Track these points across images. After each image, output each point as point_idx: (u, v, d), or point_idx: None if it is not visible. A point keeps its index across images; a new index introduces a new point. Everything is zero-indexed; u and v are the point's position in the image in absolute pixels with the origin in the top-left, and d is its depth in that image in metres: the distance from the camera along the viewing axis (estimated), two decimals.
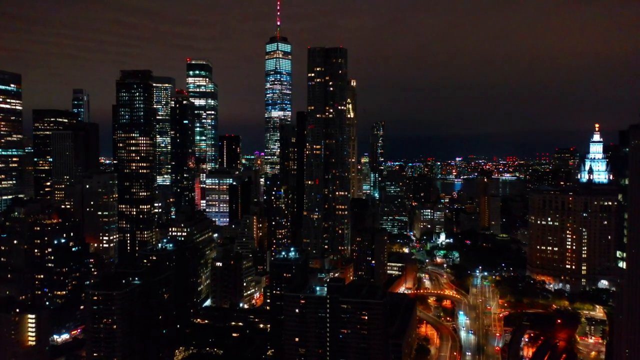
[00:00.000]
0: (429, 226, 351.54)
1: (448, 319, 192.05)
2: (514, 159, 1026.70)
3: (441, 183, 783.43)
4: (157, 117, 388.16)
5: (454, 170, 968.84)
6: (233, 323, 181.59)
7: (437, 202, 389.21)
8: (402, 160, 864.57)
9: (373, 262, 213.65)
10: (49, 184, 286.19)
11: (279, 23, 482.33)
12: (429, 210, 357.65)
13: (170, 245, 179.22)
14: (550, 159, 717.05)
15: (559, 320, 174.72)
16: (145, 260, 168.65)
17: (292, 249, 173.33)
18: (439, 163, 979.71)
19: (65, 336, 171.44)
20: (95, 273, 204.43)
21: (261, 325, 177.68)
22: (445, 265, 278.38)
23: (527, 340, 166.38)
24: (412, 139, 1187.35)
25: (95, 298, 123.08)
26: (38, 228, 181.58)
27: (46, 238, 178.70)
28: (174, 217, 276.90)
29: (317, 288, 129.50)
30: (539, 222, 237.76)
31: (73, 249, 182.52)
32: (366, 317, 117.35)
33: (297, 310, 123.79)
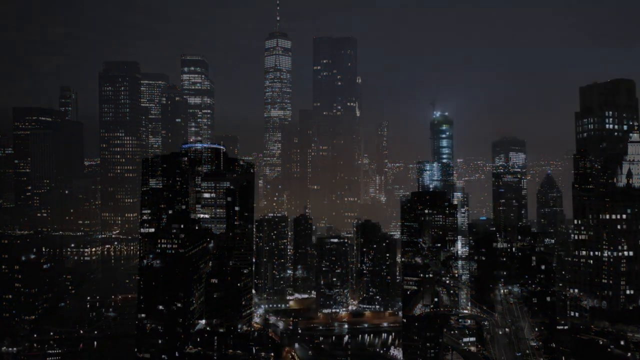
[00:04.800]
0: (440, 232, 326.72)
1: (479, 346, 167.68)
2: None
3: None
4: (150, 117, 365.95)
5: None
6: (230, 351, 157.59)
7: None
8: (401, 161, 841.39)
9: (389, 277, 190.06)
10: (29, 188, 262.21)
11: (278, 18, 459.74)
12: (440, 215, 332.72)
13: (158, 262, 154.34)
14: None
15: (609, 350, 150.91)
16: (127, 281, 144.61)
17: None
18: None
19: None
20: (73, 292, 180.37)
21: (262, 354, 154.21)
22: (463, 277, 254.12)
23: None
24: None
25: None
26: (5, 241, 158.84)
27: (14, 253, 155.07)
28: (164, 224, 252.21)
29: None
30: (569, 230, 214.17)
31: (45, 266, 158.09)
32: None
33: None
